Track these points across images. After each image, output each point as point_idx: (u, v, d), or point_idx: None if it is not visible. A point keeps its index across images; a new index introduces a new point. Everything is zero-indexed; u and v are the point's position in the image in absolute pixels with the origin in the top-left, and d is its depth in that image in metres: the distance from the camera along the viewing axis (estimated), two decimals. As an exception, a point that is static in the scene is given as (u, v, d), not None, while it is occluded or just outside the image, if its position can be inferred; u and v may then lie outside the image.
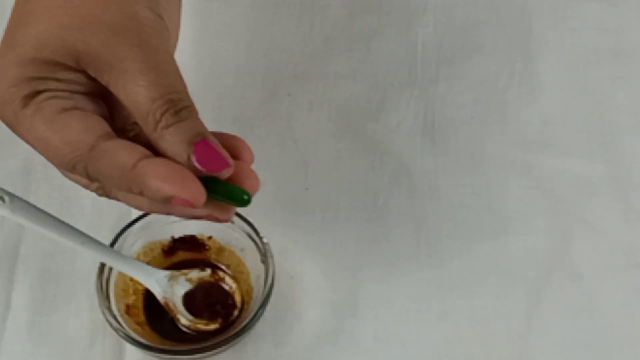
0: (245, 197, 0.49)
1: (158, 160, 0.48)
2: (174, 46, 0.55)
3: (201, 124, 0.49)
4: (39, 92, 0.49)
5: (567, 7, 0.77)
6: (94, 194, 0.67)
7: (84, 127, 0.49)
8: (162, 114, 0.48)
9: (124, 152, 0.49)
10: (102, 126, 0.50)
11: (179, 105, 0.48)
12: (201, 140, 0.48)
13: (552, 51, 0.75)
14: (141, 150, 0.49)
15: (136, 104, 0.48)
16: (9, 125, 0.51)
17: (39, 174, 0.69)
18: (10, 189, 0.57)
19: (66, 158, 0.50)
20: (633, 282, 0.64)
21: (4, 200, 0.56)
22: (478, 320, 0.63)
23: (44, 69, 0.49)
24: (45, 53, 0.49)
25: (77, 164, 0.50)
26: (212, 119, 0.72)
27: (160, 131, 0.48)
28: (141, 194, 0.49)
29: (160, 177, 0.47)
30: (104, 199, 0.67)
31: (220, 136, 0.51)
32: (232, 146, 0.51)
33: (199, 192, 0.48)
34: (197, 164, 0.48)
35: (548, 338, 0.62)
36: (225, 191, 0.49)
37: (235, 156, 0.50)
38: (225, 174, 0.48)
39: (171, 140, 0.48)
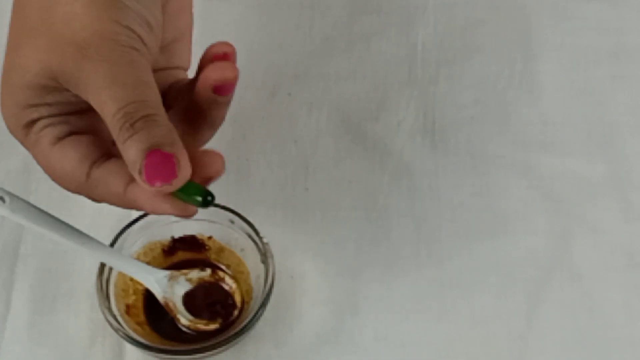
0: (209, 198, 0.49)
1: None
2: (186, 39, 0.55)
3: (158, 131, 0.48)
4: (34, 121, 0.51)
5: (567, 7, 0.77)
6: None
7: (78, 156, 0.51)
8: (120, 129, 0.48)
9: (113, 179, 0.50)
10: (96, 149, 0.51)
11: (135, 117, 0.48)
12: (152, 152, 0.47)
13: (552, 51, 0.75)
14: (128, 172, 0.49)
15: (105, 120, 0.49)
16: (23, 145, 0.53)
17: (39, 173, 0.68)
18: (10, 189, 0.57)
19: (69, 188, 0.52)
20: (633, 282, 0.64)
21: (4, 200, 0.56)
22: (478, 320, 0.63)
23: (32, 94, 0.50)
24: (29, 77, 0.50)
25: (80, 193, 0.52)
26: (212, 119, 0.72)
27: (121, 146, 0.48)
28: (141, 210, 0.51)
29: (149, 200, 0.49)
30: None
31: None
32: (212, 54, 0.51)
33: (184, 208, 0.49)
34: (145, 181, 0.48)
35: (548, 338, 0.62)
36: (188, 190, 0.49)
37: (220, 58, 0.51)
38: (175, 185, 0.48)
39: (127, 155, 0.48)
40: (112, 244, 0.61)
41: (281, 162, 0.69)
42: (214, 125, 0.53)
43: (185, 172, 0.48)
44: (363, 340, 0.62)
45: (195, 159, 0.49)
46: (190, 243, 0.64)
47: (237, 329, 0.59)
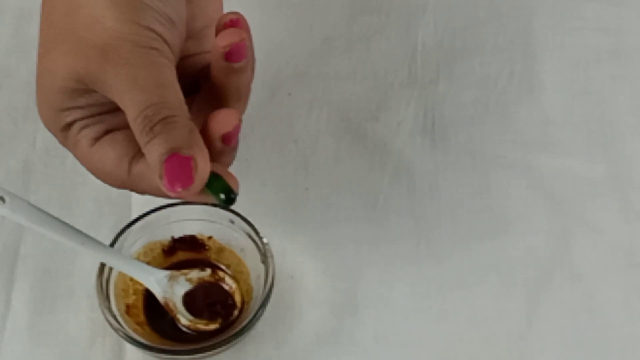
0: (232, 196, 0.49)
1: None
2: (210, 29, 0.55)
3: (177, 134, 0.48)
4: (70, 124, 0.52)
5: (567, 7, 0.77)
6: (93, 194, 0.68)
7: (117, 154, 0.52)
8: (141, 133, 0.48)
9: (151, 176, 0.50)
10: (133, 144, 0.51)
11: (153, 120, 0.48)
12: (170, 157, 0.48)
13: (552, 51, 0.75)
14: None
15: (129, 122, 0.49)
16: (65, 147, 0.54)
17: (39, 174, 0.69)
18: (10, 189, 0.57)
19: (114, 185, 0.53)
20: (633, 282, 0.64)
21: (4, 200, 0.56)
22: (478, 320, 0.63)
23: (64, 98, 0.51)
24: (58, 82, 0.50)
25: (125, 188, 0.53)
26: (212, 119, 0.72)
27: (143, 150, 0.49)
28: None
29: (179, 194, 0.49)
30: (103, 199, 0.67)
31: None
32: (221, 24, 0.51)
33: None
34: (165, 186, 0.48)
35: (548, 338, 0.62)
36: (213, 188, 0.49)
37: (228, 26, 0.51)
38: (193, 190, 0.48)
39: (149, 160, 0.48)
40: (112, 244, 0.61)
41: (281, 162, 0.69)
42: (240, 97, 0.53)
43: (202, 176, 0.48)
44: (363, 340, 0.62)
45: (210, 120, 0.49)
46: (190, 243, 0.64)
47: (237, 329, 0.59)
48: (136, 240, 0.63)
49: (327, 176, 0.69)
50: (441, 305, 0.63)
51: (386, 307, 0.63)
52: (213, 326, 0.61)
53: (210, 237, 0.64)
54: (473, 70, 0.74)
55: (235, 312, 0.62)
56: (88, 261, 0.64)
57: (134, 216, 0.63)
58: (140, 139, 0.48)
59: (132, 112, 0.48)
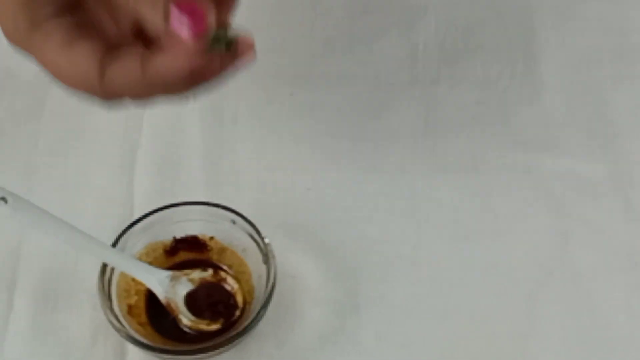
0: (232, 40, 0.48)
1: (157, 52, 0.48)
2: None
3: None
4: (40, 23, 0.49)
5: (569, 6, 0.77)
6: (96, 195, 0.68)
7: (92, 48, 0.49)
8: None
9: (129, 67, 0.48)
10: (106, 44, 0.49)
11: None
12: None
13: (553, 51, 0.75)
14: (140, 53, 0.49)
15: None
16: (24, 49, 0.50)
17: (41, 174, 0.69)
18: (12, 190, 0.57)
19: (80, 86, 0.49)
20: (633, 282, 0.64)
21: (6, 201, 0.57)
22: (478, 320, 0.63)
23: None
24: None
25: (93, 91, 0.49)
26: (212, 119, 0.72)
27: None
28: (166, 92, 0.49)
29: (170, 64, 0.47)
30: (105, 199, 0.67)
31: None
32: None
33: (210, 62, 0.48)
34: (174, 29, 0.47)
35: (548, 338, 0.62)
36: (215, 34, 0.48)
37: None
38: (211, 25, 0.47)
39: (147, 10, 0.47)
40: (114, 244, 0.62)
41: (281, 162, 0.69)
42: None
43: (210, 8, 0.48)
44: (364, 340, 0.62)
45: None
46: (192, 243, 0.64)
47: (239, 329, 0.59)
48: (138, 240, 0.63)
49: (327, 176, 0.69)
50: (442, 305, 0.63)
51: (387, 307, 0.64)
52: (215, 326, 0.61)
53: (212, 238, 0.64)
54: (474, 71, 0.74)
55: (237, 312, 0.62)
56: (90, 261, 0.64)
57: (136, 216, 0.63)
58: None
59: None
